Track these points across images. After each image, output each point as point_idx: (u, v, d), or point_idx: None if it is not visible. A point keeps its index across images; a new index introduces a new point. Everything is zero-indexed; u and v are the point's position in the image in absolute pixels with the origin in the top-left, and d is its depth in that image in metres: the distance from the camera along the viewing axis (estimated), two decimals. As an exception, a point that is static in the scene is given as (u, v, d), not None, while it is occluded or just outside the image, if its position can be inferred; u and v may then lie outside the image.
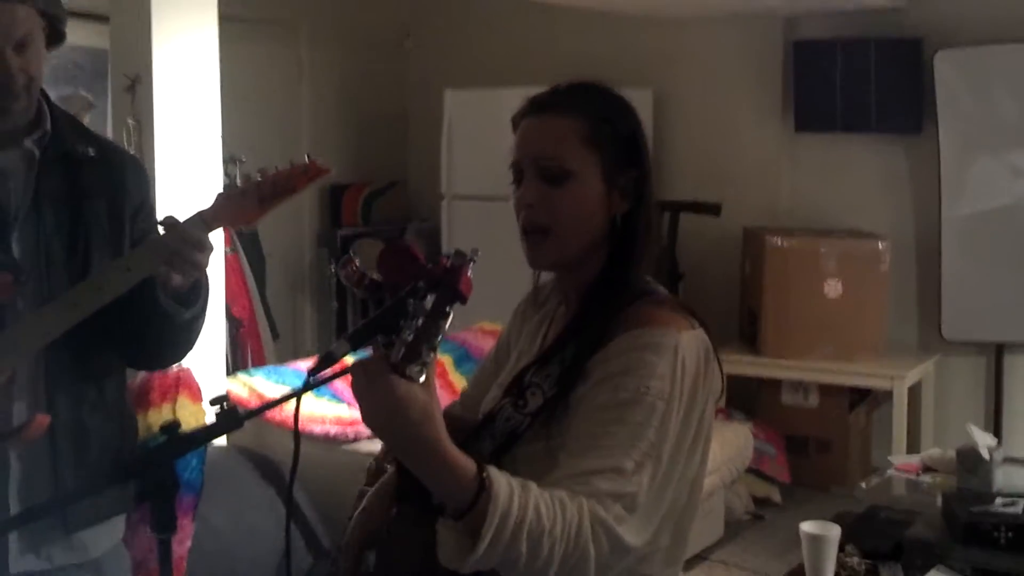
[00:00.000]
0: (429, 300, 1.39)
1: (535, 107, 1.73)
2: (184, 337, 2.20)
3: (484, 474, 1.41)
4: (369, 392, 1.38)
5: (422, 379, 1.37)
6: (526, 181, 1.70)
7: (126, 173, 2.22)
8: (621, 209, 1.71)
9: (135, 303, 2.02)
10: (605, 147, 1.69)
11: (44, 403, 2.06)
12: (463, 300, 1.42)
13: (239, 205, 2.00)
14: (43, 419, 1.97)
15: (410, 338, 1.37)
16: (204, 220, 2.00)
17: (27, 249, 2.06)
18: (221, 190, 2.04)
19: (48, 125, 2.12)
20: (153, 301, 2.04)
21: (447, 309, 1.40)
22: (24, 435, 1.96)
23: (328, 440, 4.14)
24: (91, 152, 2.16)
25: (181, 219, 2.00)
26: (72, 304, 1.95)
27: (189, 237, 1.97)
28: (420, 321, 1.38)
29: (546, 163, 1.68)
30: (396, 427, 1.38)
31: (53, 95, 2.20)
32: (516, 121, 1.75)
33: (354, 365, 1.41)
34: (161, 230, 2.00)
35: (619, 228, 1.71)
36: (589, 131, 1.68)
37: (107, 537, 2.22)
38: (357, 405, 1.40)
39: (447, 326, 1.40)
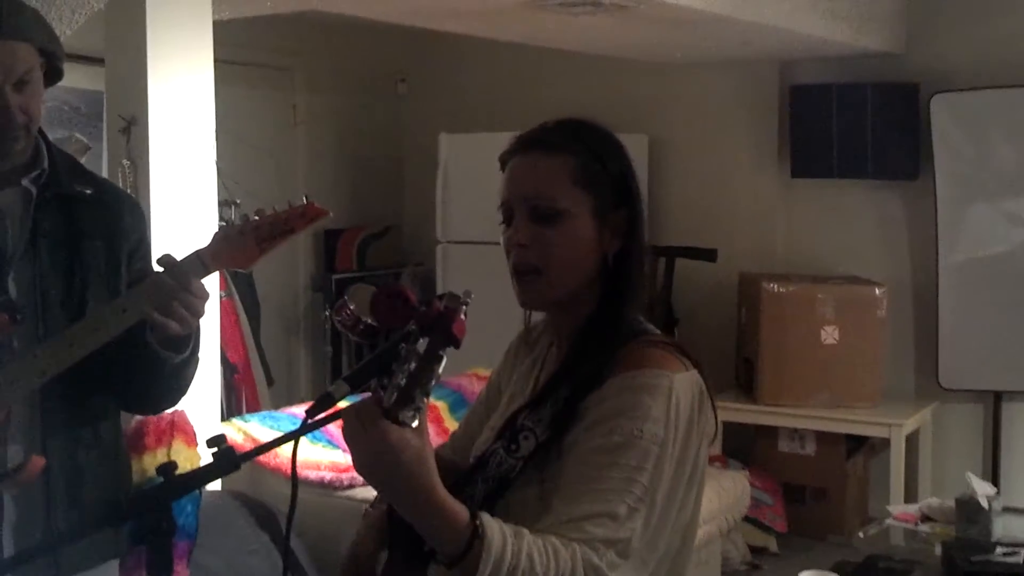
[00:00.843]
0: (422, 344, 1.37)
1: (523, 145, 1.71)
2: (175, 382, 2.19)
3: (477, 521, 1.38)
4: (361, 438, 1.36)
5: (415, 424, 1.35)
6: (517, 221, 1.68)
7: (123, 213, 2.22)
8: (613, 247, 1.68)
9: (126, 346, 2.01)
10: (595, 185, 1.67)
11: (39, 445, 2.05)
12: (457, 344, 1.39)
13: (237, 246, 1.98)
14: (38, 461, 1.97)
15: (403, 383, 1.35)
16: (202, 261, 1.98)
17: (23, 288, 2.06)
18: (218, 230, 2.02)
19: (46, 164, 2.12)
20: (143, 344, 2.02)
21: (440, 353, 1.38)
22: (20, 477, 1.96)
23: (323, 486, 4.10)
24: (88, 192, 2.16)
25: (178, 259, 1.99)
26: (69, 344, 1.95)
27: (184, 281, 1.96)
28: (413, 365, 1.35)
29: (537, 202, 1.65)
30: (388, 473, 1.36)
31: (49, 138, 2.20)
32: (504, 160, 1.73)
33: (346, 410, 1.39)
34: (158, 268, 1.99)
35: (611, 267, 1.68)
36: (579, 169, 1.66)
37: None
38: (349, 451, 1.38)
39: (441, 370, 1.37)
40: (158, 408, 2.39)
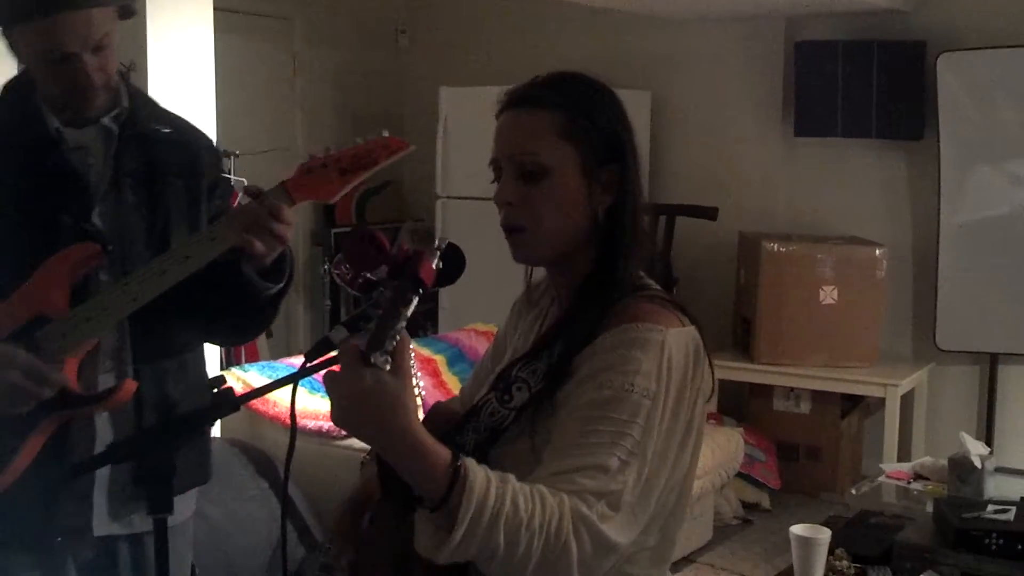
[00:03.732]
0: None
1: (512, 101, 1.69)
2: (269, 312, 2.25)
3: (458, 463, 1.38)
4: (337, 384, 1.37)
5: (388, 367, 1.35)
6: (504, 178, 1.67)
7: (201, 151, 2.27)
8: (603, 203, 1.66)
9: (221, 277, 2.05)
10: (583, 140, 1.64)
11: (129, 373, 2.10)
12: (424, 287, 1.41)
13: (320, 178, 2.00)
14: (131, 384, 2.00)
15: (374, 326, 1.36)
16: (287, 192, 2.00)
17: (108, 223, 2.10)
18: (301, 164, 2.03)
19: (125, 103, 2.16)
20: (238, 275, 2.06)
21: (409, 296, 1.39)
22: (115, 398, 1.99)
23: (321, 435, 4.12)
24: (166, 131, 2.20)
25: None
26: (161, 271, 1.97)
27: (272, 208, 1.98)
28: (382, 310, 1.37)
29: (522, 159, 1.64)
30: (364, 417, 1.37)
31: (128, 77, 2.24)
32: (496, 116, 1.72)
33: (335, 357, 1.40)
34: (245, 199, 2.02)
35: (603, 223, 1.67)
36: (565, 124, 1.64)
37: (182, 510, 2.22)
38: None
39: (410, 312, 1.38)
40: (247, 338, 2.46)
